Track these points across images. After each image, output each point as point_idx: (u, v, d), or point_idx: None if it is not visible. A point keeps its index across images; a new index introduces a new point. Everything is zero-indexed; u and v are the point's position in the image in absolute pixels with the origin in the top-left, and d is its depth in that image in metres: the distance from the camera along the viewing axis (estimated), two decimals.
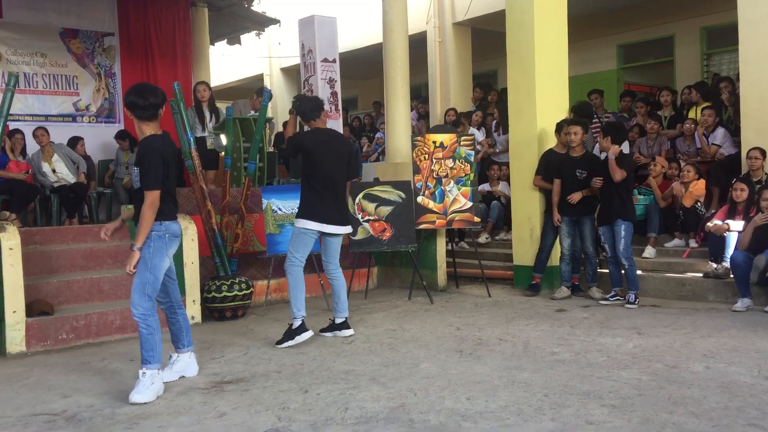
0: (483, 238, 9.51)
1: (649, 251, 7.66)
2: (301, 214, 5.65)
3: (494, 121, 10.60)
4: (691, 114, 8.87)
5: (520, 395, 4.02)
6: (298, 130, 6.57)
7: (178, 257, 6.52)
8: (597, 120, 9.21)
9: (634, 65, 13.32)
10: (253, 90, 10.93)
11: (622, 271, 6.84)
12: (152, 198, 4.23)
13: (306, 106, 5.86)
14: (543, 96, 7.75)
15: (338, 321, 5.87)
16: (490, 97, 11.75)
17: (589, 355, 4.88)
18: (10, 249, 5.62)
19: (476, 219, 8.00)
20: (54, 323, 5.85)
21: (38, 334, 5.75)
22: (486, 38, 12.68)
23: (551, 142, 7.73)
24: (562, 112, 7.95)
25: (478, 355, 5.00)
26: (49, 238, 6.86)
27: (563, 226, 7.26)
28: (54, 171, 8.44)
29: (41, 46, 9.86)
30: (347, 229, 5.85)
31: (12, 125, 8.40)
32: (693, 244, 7.62)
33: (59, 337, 5.84)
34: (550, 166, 7.45)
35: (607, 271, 7.05)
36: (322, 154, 5.65)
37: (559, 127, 7.50)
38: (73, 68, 10.17)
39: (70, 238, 6.97)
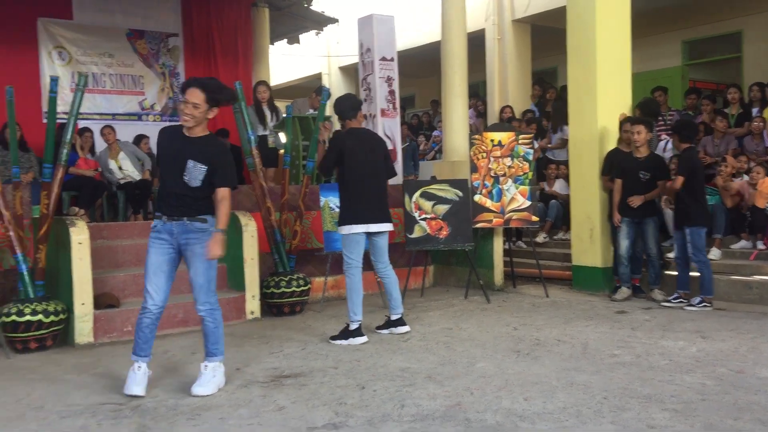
0: (541, 238, 9.40)
1: (714, 253, 7.43)
2: (344, 220, 5.69)
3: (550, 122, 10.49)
4: (766, 113, 8.56)
5: (578, 397, 3.97)
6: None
7: (238, 254, 6.69)
8: (661, 119, 9.00)
9: (699, 62, 12.95)
10: (312, 89, 11.07)
11: (691, 274, 6.67)
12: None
13: (344, 105, 5.84)
14: (604, 94, 7.61)
15: (394, 318, 5.90)
16: (549, 95, 11.60)
17: (651, 358, 4.78)
18: (80, 243, 5.82)
19: (534, 218, 7.92)
20: (120, 316, 6.04)
21: (105, 326, 5.94)
22: (546, 35, 12.52)
23: (612, 140, 7.59)
24: (625, 110, 7.79)
25: (536, 356, 4.96)
26: (115, 233, 7.08)
27: (623, 227, 7.11)
28: (120, 168, 8.70)
29: (109, 46, 10.18)
30: (390, 226, 5.86)
31: (81, 124, 8.69)
32: (761, 246, 7.38)
33: (125, 329, 6.02)
34: (613, 165, 7.32)
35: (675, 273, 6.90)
36: (363, 154, 5.70)
37: (622, 123, 7.36)
38: (139, 68, 10.47)
39: (135, 233, 7.18)
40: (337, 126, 11.84)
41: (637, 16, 8.36)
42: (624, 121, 7.40)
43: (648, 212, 7.04)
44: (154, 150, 9.90)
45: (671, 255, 7.53)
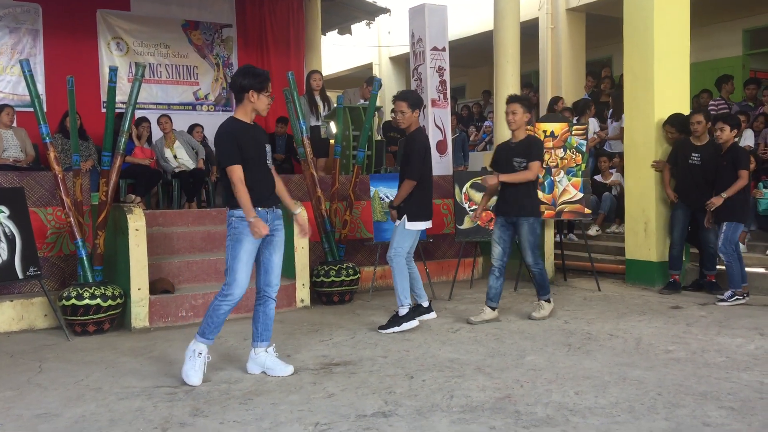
0: (593, 231, 9.25)
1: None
2: (416, 215, 5.72)
3: (610, 110, 10.28)
4: None
5: (631, 392, 3.91)
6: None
7: (289, 242, 6.76)
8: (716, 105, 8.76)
9: (760, 51, 12.53)
10: (363, 79, 11.08)
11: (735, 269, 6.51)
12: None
13: (416, 95, 5.95)
14: (662, 84, 7.43)
15: (425, 304, 6.00)
16: (603, 86, 11.39)
17: (707, 355, 4.67)
18: (136, 230, 5.97)
19: (587, 210, 7.80)
20: (174, 301, 6.18)
21: (160, 311, 6.09)
22: (601, 24, 12.29)
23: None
24: (683, 100, 7.60)
25: (587, 350, 4.89)
26: (171, 220, 7.23)
27: (680, 215, 7.04)
28: (175, 157, 8.88)
29: (165, 37, 10.37)
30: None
31: (138, 113, 8.88)
32: None
33: (179, 314, 6.16)
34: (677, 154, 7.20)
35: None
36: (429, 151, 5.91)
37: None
38: (194, 59, 10.63)
39: (190, 220, 7.32)
40: (388, 117, 11.84)
41: (697, 5, 8.14)
42: (690, 114, 7.19)
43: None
44: (210, 139, 10.16)
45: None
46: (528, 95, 10.82)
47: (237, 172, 4.17)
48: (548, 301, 6.06)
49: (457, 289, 7.43)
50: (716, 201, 6.52)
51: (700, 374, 4.23)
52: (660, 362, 4.52)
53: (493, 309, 5.94)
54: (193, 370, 4.25)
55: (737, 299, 6.41)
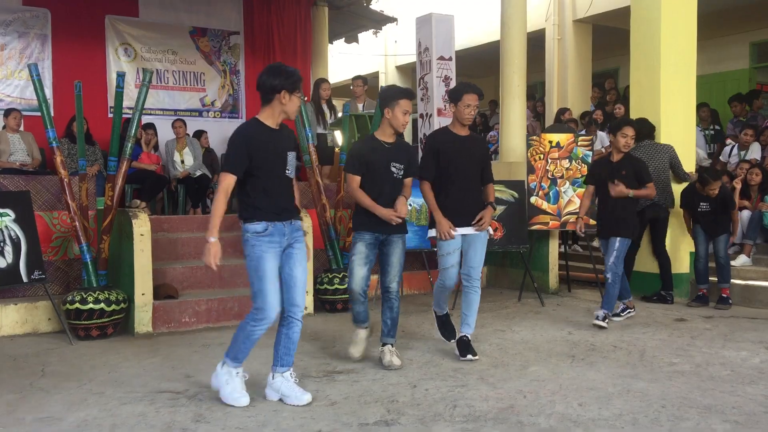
0: (598, 242, 9.22)
1: (742, 260, 7.46)
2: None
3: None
4: None
5: (635, 404, 3.89)
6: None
7: None
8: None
9: (767, 64, 12.53)
10: (369, 88, 11.06)
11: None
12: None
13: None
14: (668, 96, 7.43)
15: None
16: (609, 97, 11.39)
17: (711, 368, 4.65)
18: (141, 235, 5.98)
19: (592, 222, 7.77)
20: (178, 307, 6.18)
21: (163, 317, 6.09)
22: (607, 35, 12.30)
23: (675, 143, 7.41)
24: (689, 112, 7.59)
25: (591, 361, 4.88)
26: (175, 226, 7.24)
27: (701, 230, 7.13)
28: (182, 162, 8.90)
29: (172, 44, 10.40)
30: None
31: (144, 119, 8.91)
32: None
33: (182, 320, 6.17)
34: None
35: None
36: None
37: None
38: (201, 65, 10.66)
39: (195, 226, 7.33)
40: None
41: (704, 17, 8.14)
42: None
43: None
44: (216, 146, 10.20)
45: (735, 263, 7.34)
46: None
47: (227, 180, 3.84)
48: None
49: (461, 299, 7.40)
50: (623, 190, 5.97)
51: (705, 387, 4.21)
52: (664, 375, 4.50)
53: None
54: (237, 392, 3.98)
55: (629, 312, 6.39)
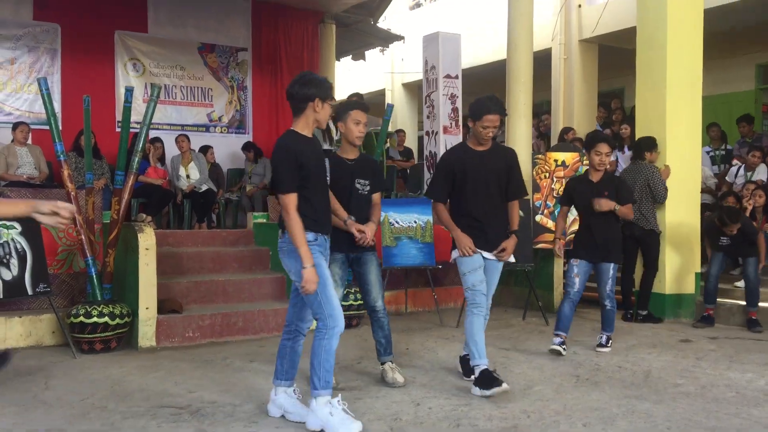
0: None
1: None
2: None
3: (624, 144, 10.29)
4: None
5: (640, 425, 3.86)
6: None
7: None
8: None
9: None
10: (376, 104, 11.13)
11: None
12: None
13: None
14: (674, 116, 7.44)
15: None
16: (615, 117, 11.40)
17: (716, 390, 4.62)
18: (146, 249, 5.99)
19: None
20: (182, 321, 6.18)
21: (167, 331, 6.08)
22: (613, 55, 12.33)
23: (682, 163, 7.42)
24: (695, 133, 7.60)
25: (596, 381, 4.85)
26: (181, 240, 7.26)
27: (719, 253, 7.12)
28: (188, 177, 8.94)
29: (181, 59, 10.48)
30: None
31: (151, 134, 8.96)
32: None
33: (186, 334, 6.16)
34: None
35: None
36: None
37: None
38: (209, 81, 10.74)
39: (199, 241, 7.35)
40: (411, 142, 11.84)
41: (710, 38, 8.16)
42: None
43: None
44: (223, 162, 10.24)
45: (739, 284, 7.33)
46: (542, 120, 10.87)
47: (293, 201, 3.69)
48: None
49: (465, 316, 7.38)
50: (605, 204, 5.62)
51: (710, 409, 4.18)
52: (669, 396, 4.47)
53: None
54: (345, 422, 3.72)
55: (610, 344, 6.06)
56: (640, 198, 7.21)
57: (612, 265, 5.77)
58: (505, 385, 4.35)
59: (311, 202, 3.82)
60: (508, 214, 4.84)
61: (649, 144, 7.31)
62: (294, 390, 4.07)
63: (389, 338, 4.83)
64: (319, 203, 3.88)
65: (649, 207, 7.24)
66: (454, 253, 4.74)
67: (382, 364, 4.83)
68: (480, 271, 4.67)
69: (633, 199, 6.01)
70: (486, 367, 4.48)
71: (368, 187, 4.67)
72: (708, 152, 9.80)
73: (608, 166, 5.94)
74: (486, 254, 4.72)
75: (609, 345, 5.93)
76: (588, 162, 5.96)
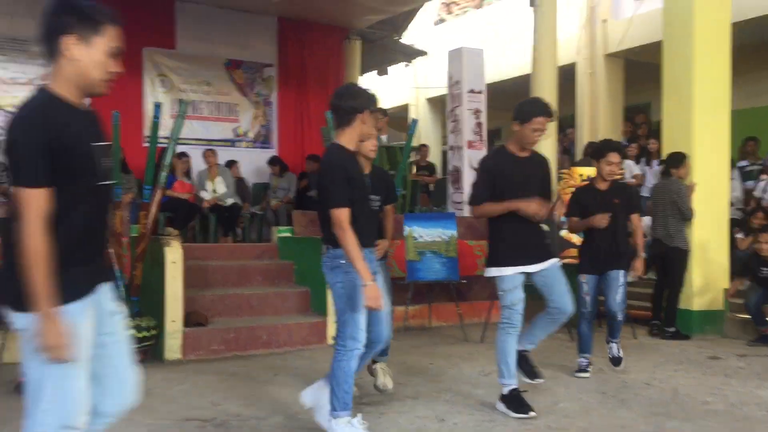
0: (630, 277, 9.09)
1: None
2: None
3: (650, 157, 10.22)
4: None
5: None
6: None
7: (322, 278, 6.79)
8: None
9: None
10: (400, 119, 11.17)
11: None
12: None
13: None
14: (701, 131, 7.37)
15: None
16: (641, 131, 11.33)
17: (746, 408, 4.54)
18: (173, 263, 6.05)
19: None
20: (207, 334, 6.22)
21: (193, 344, 6.13)
22: (639, 69, 12.25)
23: (709, 179, 7.34)
24: (723, 147, 7.52)
25: (622, 399, 4.79)
26: (206, 254, 7.33)
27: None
28: (214, 191, 9.03)
29: (207, 75, 10.62)
30: None
31: (178, 148, 9.06)
32: None
33: (211, 347, 6.20)
34: None
35: None
36: None
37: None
38: (235, 97, 10.86)
39: (224, 255, 7.42)
40: (435, 156, 11.84)
41: (739, 51, 8.09)
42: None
43: None
44: (248, 176, 10.32)
45: None
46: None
47: (346, 216, 3.59)
48: None
49: (490, 331, 7.33)
50: (601, 220, 5.40)
51: (739, 428, 4.11)
52: (698, 414, 4.41)
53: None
54: None
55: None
56: (665, 214, 7.14)
57: (621, 272, 5.51)
58: (532, 413, 4.25)
59: (357, 218, 3.71)
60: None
61: (676, 160, 7.23)
62: (359, 419, 3.89)
63: (389, 341, 4.53)
64: (364, 218, 3.82)
65: (675, 224, 7.16)
66: (493, 271, 4.44)
67: (374, 362, 4.74)
68: (520, 289, 4.39)
69: (641, 209, 5.81)
70: (516, 386, 4.38)
71: (379, 203, 4.49)
72: (744, 167, 9.67)
73: (617, 176, 5.68)
74: (534, 267, 4.41)
75: (619, 351, 5.74)
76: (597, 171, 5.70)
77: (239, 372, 5.60)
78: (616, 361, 5.74)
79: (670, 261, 7.21)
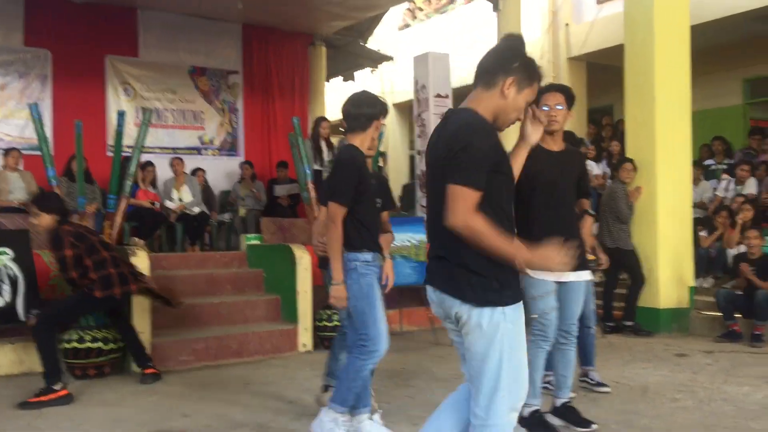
0: (597, 277, 9.20)
1: None
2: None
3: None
4: None
5: None
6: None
7: (292, 286, 6.76)
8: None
9: (761, 100, 12.66)
10: None
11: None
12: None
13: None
14: (663, 132, 7.49)
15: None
16: (605, 133, 11.48)
17: (714, 404, 4.62)
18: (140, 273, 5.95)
19: (590, 257, 7.76)
20: (175, 345, 6.13)
21: (161, 355, 6.02)
22: (601, 72, 12.44)
23: (670, 179, 7.46)
24: (685, 149, 7.65)
25: (593, 397, 4.84)
26: (174, 263, 7.23)
27: None
28: (180, 199, 8.93)
29: (171, 83, 10.50)
30: None
31: (143, 157, 8.95)
32: None
33: (180, 358, 6.11)
34: None
35: None
36: None
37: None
38: (200, 104, 10.76)
39: (192, 264, 7.33)
40: (402, 161, 11.80)
41: (698, 54, 8.24)
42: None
43: None
44: (214, 184, 10.22)
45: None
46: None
47: (342, 213, 3.67)
48: None
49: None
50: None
51: (708, 423, 4.17)
52: (667, 411, 4.47)
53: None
54: None
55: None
56: (606, 217, 7.36)
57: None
58: None
59: (365, 221, 3.76)
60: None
61: (618, 164, 7.48)
62: (378, 416, 3.98)
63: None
64: (372, 222, 3.85)
65: (615, 225, 7.36)
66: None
67: (327, 388, 4.41)
68: (553, 296, 3.95)
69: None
70: (539, 407, 4.07)
71: (380, 205, 4.28)
72: (710, 166, 9.87)
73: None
74: (563, 276, 3.94)
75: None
76: None
77: (209, 382, 5.53)
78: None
79: (614, 262, 7.28)
